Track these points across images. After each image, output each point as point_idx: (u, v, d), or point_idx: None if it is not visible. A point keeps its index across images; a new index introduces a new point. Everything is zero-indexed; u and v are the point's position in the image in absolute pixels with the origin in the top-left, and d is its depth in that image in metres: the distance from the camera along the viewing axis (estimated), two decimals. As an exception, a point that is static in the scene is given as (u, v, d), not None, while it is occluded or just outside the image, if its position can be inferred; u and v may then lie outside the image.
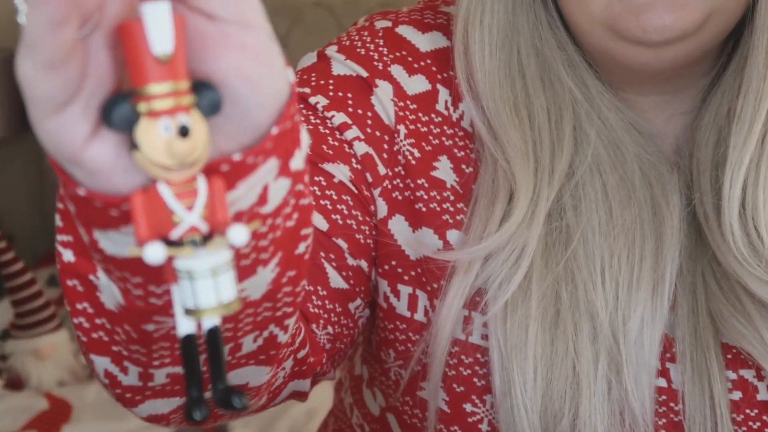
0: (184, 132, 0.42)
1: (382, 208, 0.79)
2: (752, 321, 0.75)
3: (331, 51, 0.82)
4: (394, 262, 0.79)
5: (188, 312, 0.44)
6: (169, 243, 0.43)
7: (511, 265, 0.75)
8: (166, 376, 0.58)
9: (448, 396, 0.78)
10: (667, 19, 0.71)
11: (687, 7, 0.71)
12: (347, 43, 0.82)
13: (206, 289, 0.43)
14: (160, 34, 0.42)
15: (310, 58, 0.83)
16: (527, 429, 0.75)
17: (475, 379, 0.78)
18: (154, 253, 0.43)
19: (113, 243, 0.48)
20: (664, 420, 0.77)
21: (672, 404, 0.77)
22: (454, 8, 0.80)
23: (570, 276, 0.76)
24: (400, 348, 0.81)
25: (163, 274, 0.45)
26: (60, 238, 0.53)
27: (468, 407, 0.79)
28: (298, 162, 0.51)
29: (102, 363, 0.58)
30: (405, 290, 0.80)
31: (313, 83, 0.80)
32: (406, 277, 0.79)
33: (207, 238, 0.44)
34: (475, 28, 0.77)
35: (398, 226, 0.79)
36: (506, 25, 0.77)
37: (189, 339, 0.45)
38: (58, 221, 0.53)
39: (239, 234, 0.44)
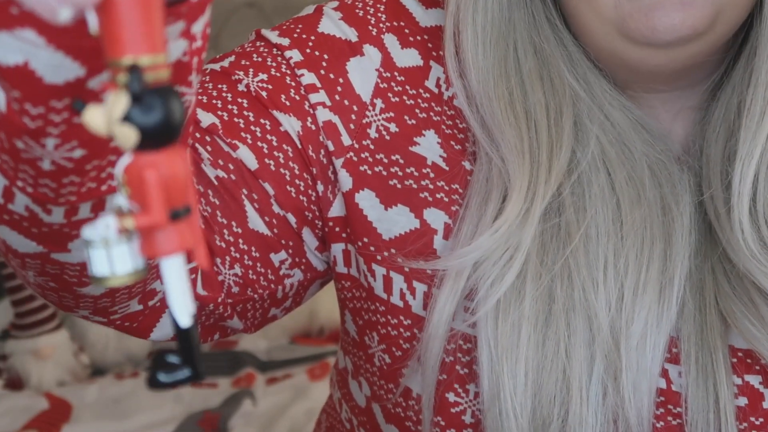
0: (75, 104, 0.45)
1: (346, 181, 0.77)
2: (766, 324, 0.73)
3: (329, 7, 0.81)
4: (366, 239, 0.78)
5: (94, 279, 0.45)
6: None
7: (503, 265, 0.73)
8: (26, 208, 0.58)
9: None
10: (676, 17, 0.69)
11: (695, 4, 0.69)
12: (349, 1, 0.81)
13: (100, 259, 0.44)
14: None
15: (308, 9, 0.82)
16: None
17: (458, 367, 0.77)
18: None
19: (2, 47, 0.48)
20: (661, 423, 0.75)
21: (670, 406, 0.76)
22: None
23: (567, 275, 0.73)
24: (382, 331, 0.79)
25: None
26: None
27: (450, 396, 0.77)
28: (199, 26, 0.52)
29: None
30: (379, 271, 0.78)
31: (295, 35, 0.79)
32: (378, 257, 0.78)
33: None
34: (467, 26, 0.75)
35: (367, 202, 0.77)
36: (500, 21, 0.75)
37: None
38: None
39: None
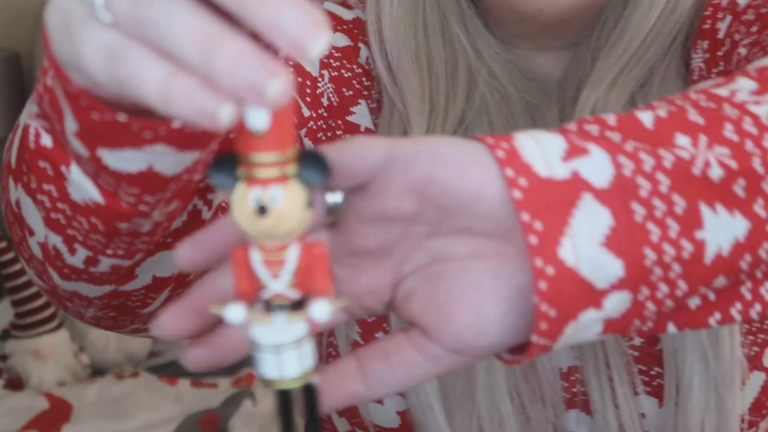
0: (262, 210, 0.42)
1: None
2: None
3: None
4: None
5: (266, 382, 0.44)
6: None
7: None
8: (111, 266, 0.59)
9: (361, 328, 0.81)
10: None
11: None
12: None
13: (292, 360, 0.43)
14: (255, 111, 0.41)
15: None
16: None
17: None
18: (235, 315, 0.43)
19: (125, 160, 0.49)
20: None
21: None
22: None
23: None
24: None
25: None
26: (37, 122, 0.53)
27: (380, 336, 0.80)
28: None
29: (54, 239, 0.58)
30: None
31: None
32: None
33: (300, 303, 0.44)
34: None
35: None
36: None
37: (286, 393, 0.45)
38: (33, 107, 0.52)
39: (320, 310, 0.43)
